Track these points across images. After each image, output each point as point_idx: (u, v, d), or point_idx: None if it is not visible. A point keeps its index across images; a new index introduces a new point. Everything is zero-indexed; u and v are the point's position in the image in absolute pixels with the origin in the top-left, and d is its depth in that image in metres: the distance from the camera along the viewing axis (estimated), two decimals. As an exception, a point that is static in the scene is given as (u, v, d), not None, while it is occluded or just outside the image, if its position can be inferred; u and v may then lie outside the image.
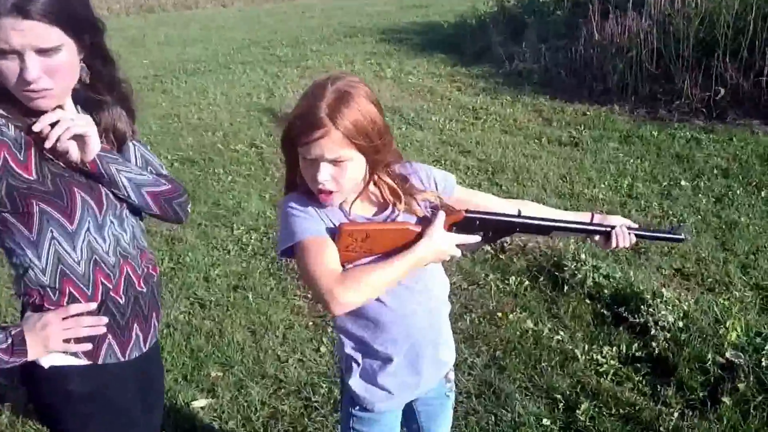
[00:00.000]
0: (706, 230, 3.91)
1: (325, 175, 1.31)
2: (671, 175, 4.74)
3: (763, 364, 2.64)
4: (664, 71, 6.41)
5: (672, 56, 6.27)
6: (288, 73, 9.14)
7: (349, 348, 1.52)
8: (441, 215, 1.39)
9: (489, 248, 3.84)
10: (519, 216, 1.46)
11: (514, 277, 3.55)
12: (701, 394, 2.63)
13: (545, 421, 2.55)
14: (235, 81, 8.83)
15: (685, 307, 3.04)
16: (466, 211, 1.42)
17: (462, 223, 1.40)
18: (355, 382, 1.53)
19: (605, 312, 3.18)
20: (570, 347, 2.97)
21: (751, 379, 2.60)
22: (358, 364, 1.52)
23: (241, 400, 2.78)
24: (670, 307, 3.03)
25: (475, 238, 1.43)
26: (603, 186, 4.63)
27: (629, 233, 1.55)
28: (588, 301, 3.29)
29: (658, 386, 2.70)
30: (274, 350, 3.13)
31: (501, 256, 3.79)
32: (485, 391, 2.75)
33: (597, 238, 1.56)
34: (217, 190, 5.12)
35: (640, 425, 2.51)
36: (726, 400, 2.55)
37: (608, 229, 1.53)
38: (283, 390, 2.85)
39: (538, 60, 7.78)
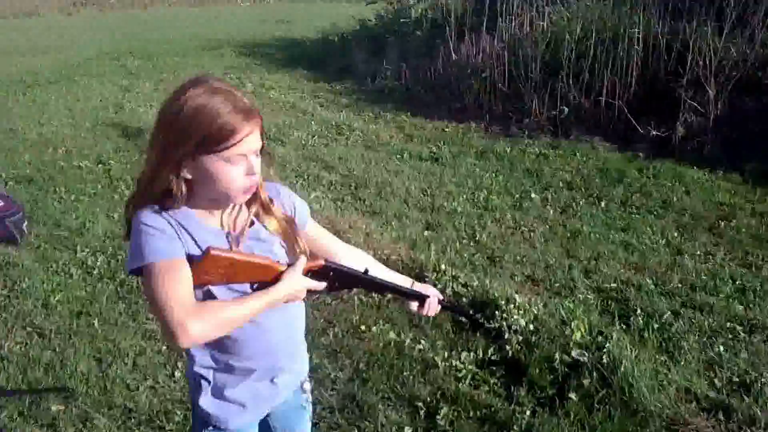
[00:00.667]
0: (553, 239, 4.17)
1: (258, 166, 1.31)
2: (523, 188, 5.03)
3: (604, 360, 2.82)
4: (514, 91, 6.83)
5: (521, 77, 6.69)
6: (139, 86, 8.73)
7: (198, 366, 1.46)
8: (302, 260, 1.40)
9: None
10: (365, 275, 1.54)
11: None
12: (550, 392, 2.77)
13: (407, 429, 2.57)
14: (81, 94, 8.29)
15: (535, 311, 3.21)
16: (325, 260, 1.45)
17: (317, 272, 1.44)
18: (206, 401, 1.45)
19: (463, 319, 3.27)
20: (431, 355, 3.02)
21: (594, 375, 2.78)
22: (209, 382, 1.45)
23: (86, 434, 2.56)
24: (521, 312, 3.18)
25: (322, 285, 1.46)
26: (462, 199, 4.81)
27: (438, 305, 1.70)
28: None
29: (512, 387, 2.81)
30: (123, 379, 2.91)
31: (364, 270, 3.80)
32: (348, 404, 2.72)
33: (413, 303, 1.69)
34: (59, 210, 4.72)
35: (496, 425, 2.60)
36: (572, 396, 2.71)
37: (425, 297, 1.68)
38: (133, 420, 2.65)
39: (399, 78, 8.00)
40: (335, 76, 9.04)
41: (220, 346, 1.42)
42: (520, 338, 3.05)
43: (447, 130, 6.58)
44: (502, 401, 2.74)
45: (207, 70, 9.64)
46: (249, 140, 1.28)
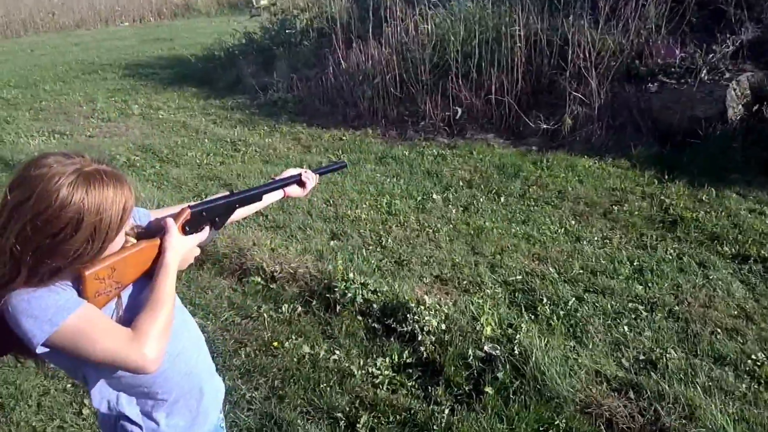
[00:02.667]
0: (458, 237, 4.25)
1: None
2: (424, 189, 5.10)
3: (516, 352, 2.91)
4: (407, 94, 6.93)
5: (412, 80, 6.80)
6: (19, 116, 8.16)
7: (127, 422, 1.42)
8: (170, 222, 1.42)
9: (259, 279, 3.76)
10: (233, 194, 1.58)
11: (287, 305, 3.51)
12: (467, 388, 2.82)
13: (328, 443, 2.53)
14: (-48, 128, 7.63)
15: (446, 310, 3.25)
16: (190, 206, 1.47)
17: (192, 220, 1.46)
18: None
19: (376, 325, 3.28)
20: (347, 365, 3.00)
21: (508, 367, 2.86)
22: (141, 428, 1.43)
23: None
24: (432, 312, 3.22)
25: (205, 232, 1.49)
26: (365, 206, 4.82)
27: (313, 173, 1.86)
28: (360, 317, 3.36)
29: (429, 387, 2.84)
30: (28, 421, 2.72)
31: (272, 286, 3.72)
32: (266, 424, 2.66)
33: (293, 190, 1.81)
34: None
35: (416, 427, 2.62)
36: (488, 390, 2.77)
37: (298, 177, 1.80)
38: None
39: (291, 89, 7.93)
40: (225, 92, 8.83)
41: (139, 390, 1.41)
42: (433, 338, 3.09)
43: (344, 138, 6.58)
44: (421, 402, 2.76)
45: (91, 95, 9.16)
46: (133, 202, 1.31)
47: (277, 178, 1.80)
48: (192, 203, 1.50)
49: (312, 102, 7.61)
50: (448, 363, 2.93)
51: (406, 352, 3.05)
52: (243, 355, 3.13)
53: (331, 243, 4.26)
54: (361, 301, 3.43)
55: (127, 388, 1.38)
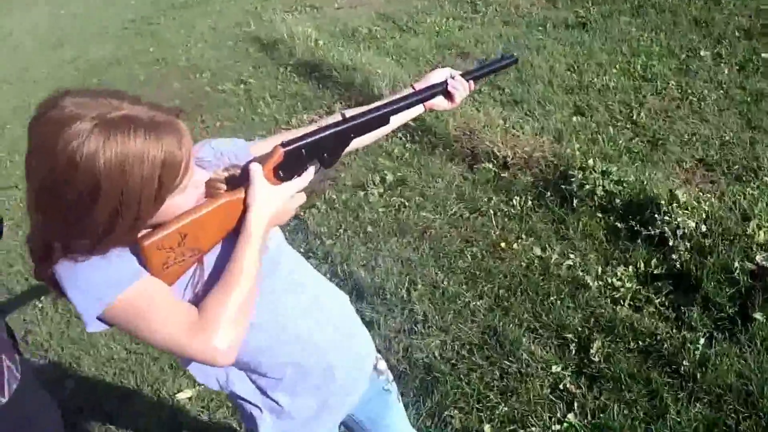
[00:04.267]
0: (730, 107, 3.45)
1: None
2: (689, 45, 4.20)
3: (801, 267, 2.30)
4: None
5: None
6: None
7: (244, 402, 1.25)
8: (255, 169, 1.09)
9: (490, 166, 3.50)
10: (345, 120, 1.21)
11: (518, 198, 3.23)
12: (730, 312, 2.34)
13: (555, 368, 2.32)
14: (224, 10, 8.28)
15: (707, 207, 2.68)
16: (282, 144, 1.12)
17: (286, 162, 1.12)
18: (268, 429, 1.25)
19: (619, 225, 2.86)
20: (581, 273, 2.68)
21: (788, 286, 2.29)
22: (260, 409, 1.25)
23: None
24: (689, 210, 2.68)
25: (310, 172, 1.15)
26: (615, 71, 4.14)
27: (464, 80, 1.39)
28: (600, 214, 2.96)
29: (682, 307, 2.42)
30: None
31: (504, 174, 3.45)
32: (489, 340, 2.51)
33: (438, 102, 1.39)
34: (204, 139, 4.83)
35: (662, 359, 2.26)
36: (758, 316, 2.26)
37: (442, 87, 1.37)
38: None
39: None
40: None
41: (250, 366, 1.20)
42: (689, 244, 2.60)
43: (597, -15, 5.65)
44: (670, 326, 2.36)
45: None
46: (189, 157, 1.00)
47: (418, 86, 1.38)
48: (286, 138, 1.15)
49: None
50: (707, 277, 2.45)
51: (655, 260, 2.61)
52: (469, 257, 2.98)
53: (573, 119, 3.77)
54: (602, 194, 2.99)
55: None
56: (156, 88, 6.23)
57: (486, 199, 3.31)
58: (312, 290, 1.28)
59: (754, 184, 2.85)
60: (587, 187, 3.03)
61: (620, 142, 3.42)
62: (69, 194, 0.91)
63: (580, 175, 3.09)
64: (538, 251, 2.87)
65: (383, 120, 1.28)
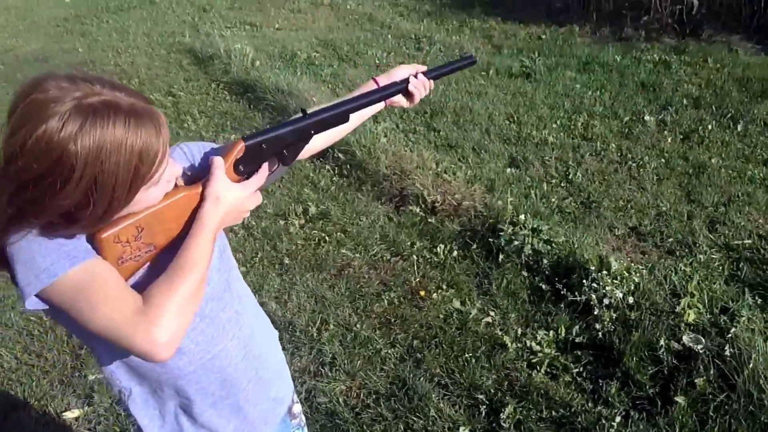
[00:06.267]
0: (670, 176, 3.38)
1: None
2: (634, 108, 4.17)
3: (727, 351, 2.16)
4: (629, -17, 5.74)
5: (637, -35, 5.58)
6: (217, 4, 8.27)
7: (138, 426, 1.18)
8: (217, 161, 1.06)
9: (418, 210, 3.31)
10: (306, 116, 1.18)
11: (443, 245, 3.03)
12: (651, 391, 2.18)
13: (462, 429, 2.10)
14: (159, 18, 7.97)
15: (636, 279, 2.54)
16: (244, 138, 1.10)
17: (247, 156, 1.10)
18: None
19: (544, 286, 2.69)
20: (500, 333, 2.49)
21: (712, 371, 2.14)
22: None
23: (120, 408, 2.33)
24: (618, 280, 2.53)
25: (264, 171, 1.12)
26: (555, 126, 4.06)
27: (426, 79, 1.37)
28: (525, 273, 2.78)
29: (600, 380, 2.24)
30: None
31: (431, 219, 3.25)
32: (397, 392, 2.29)
33: (397, 99, 1.38)
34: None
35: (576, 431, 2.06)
36: (680, 399, 2.10)
37: (404, 85, 1.35)
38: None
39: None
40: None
41: (162, 383, 1.13)
42: (615, 315, 2.44)
43: (544, 36, 5.67)
44: (586, 399, 2.19)
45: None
46: (166, 148, 0.96)
47: (380, 80, 1.35)
48: (248, 133, 1.12)
49: (512, -9, 6.69)
50: (629, 351, 2.29)
51: (577, 327, 2.44)
52: (386, 301, 2.75)
53: (508, 171, 3.63)
54: (530, 252, 2.83)
55: (142, 377, 1.11)
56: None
57: (409, 244, 3.11)
58: (249, 324, 1.24)
59: (687, 260, 2.74)
60: (515, 243, 2.86)
61: (553, 200, 3.29)
62: (39, 171, 0.87)
63: (509, 230, 2.92)
64: (457, 304, 2.67)
65: (344, 117, 1.25)
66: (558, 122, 4.10)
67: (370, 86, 1.35)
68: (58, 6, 9.10)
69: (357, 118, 1.31)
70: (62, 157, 0.86)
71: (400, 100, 1.37)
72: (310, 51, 6.03)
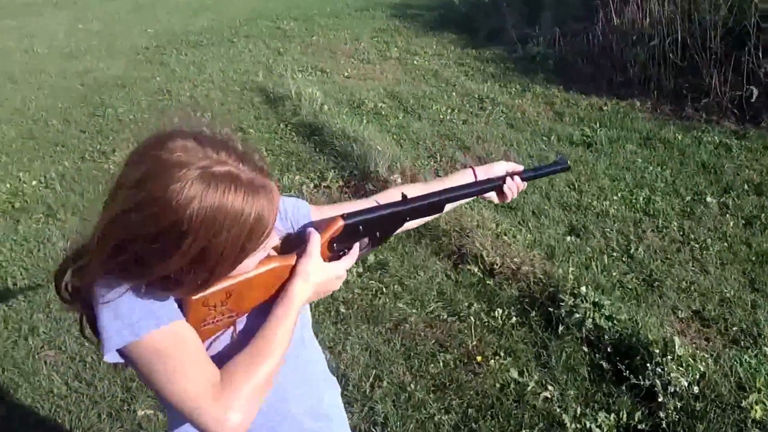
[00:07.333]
0: (733, 261, 3.33)
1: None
2: (696, 188, 4.14)
3: (798, 456, 2.10)
4: (690, 63, 5.73)
5: (698, 47, 5.58)
6: (291, 49, 8.53)
7: None
8: (314, 237, 1.08)
9: (476, 270, 3.32)
10: (405, 201, 1.21)
11: (501, 310, 3.02)
12: (716, 489, 2.11)
13: None
14: (235, 57, 8.23)
15: (702, 367, 2.49)
16: (343, 217, 1.12)
17: (343, 235, 1.12)
18: None
19: (605, 365, 2.65)
20: (558, 410, 2.45)
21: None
22: None
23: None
24: (684, 366, 2.49)
25: (355, 252, 1.14)
26: (616, 198, 4.05)
27: (521, 182, 1.42)
28: (585, 348, 2.75)
29: (663, 473, 2.18)
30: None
31: (489, 281, 3.26)
32: (449, 465, 2.25)
33: (490, 195, 1.41)
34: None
35: None
36: (748, 501, 2.03)
37: (499, 183, 1.39)
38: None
39: (553, 44, 7.12)
40: (484, 41, 8.27)
41: None
42: (680, 404, 2.39)
43: (605, 108, 5.70)
44: (647, 492, 2.12)
45: (357, 34, 9.19)
46: (275, 223, 0.99)
47: (478, 171, 1.40)
48: (348, 211, 1.13)
49: (574, 61, 6.75)
50: (694, 444, 2.24)
51: (639, 413, 2.39)
52: (441, 363, 2.74)
53: (567, 239, 3.63)
54: (591, 326, 2.80)
55: None
56: (154, 117, 6.05)
57: (467, 304, 3.10)
58: (318, 387, 1.25)
59: (752, 351, 2.67)
60: (576, 315, 2.84)
61: (614, 273, 3.26)
62: (154, 232, 0.88)
63: (570, 301, 2.90)
64: (515, 374, 2.64)
65: (440, 207, 1.29)
66: (619, 194, 4.09)
67: (467, 175, 1.39)
68: (140, 35, 9.48)
69: (449, 207, 1.34)
70: (177, 223, 0.87)
71: (491, 195, 1.41)
72: (377, 101, 6.16)
